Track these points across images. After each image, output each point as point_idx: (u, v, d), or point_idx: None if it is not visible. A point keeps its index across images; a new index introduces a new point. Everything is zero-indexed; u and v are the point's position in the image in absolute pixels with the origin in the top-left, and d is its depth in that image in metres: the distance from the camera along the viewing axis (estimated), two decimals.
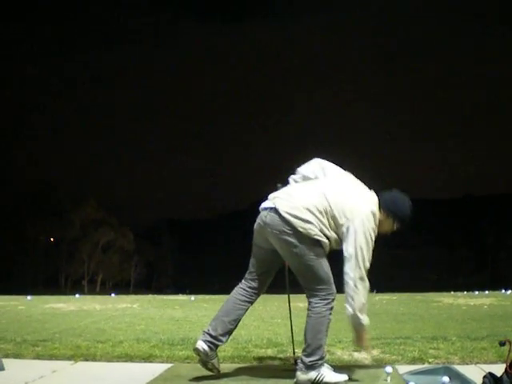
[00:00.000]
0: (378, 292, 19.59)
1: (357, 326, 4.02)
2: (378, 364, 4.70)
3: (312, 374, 3.95)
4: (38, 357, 5.14)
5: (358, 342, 4.13)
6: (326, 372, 3.99)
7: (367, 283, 3.94)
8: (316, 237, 3.92)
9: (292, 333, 4.49)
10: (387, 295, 15.96)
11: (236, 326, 4.20)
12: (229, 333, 4.15)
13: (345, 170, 4.31)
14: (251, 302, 4.26)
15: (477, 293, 17.36)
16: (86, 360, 5.02)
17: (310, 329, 4.02)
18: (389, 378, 4.06)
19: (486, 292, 18.35)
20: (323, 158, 4.33)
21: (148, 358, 5.00)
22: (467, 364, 4.70)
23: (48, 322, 8.25)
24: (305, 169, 4.33)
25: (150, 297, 17.08)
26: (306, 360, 3.98)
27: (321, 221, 3.93)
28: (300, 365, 4.01)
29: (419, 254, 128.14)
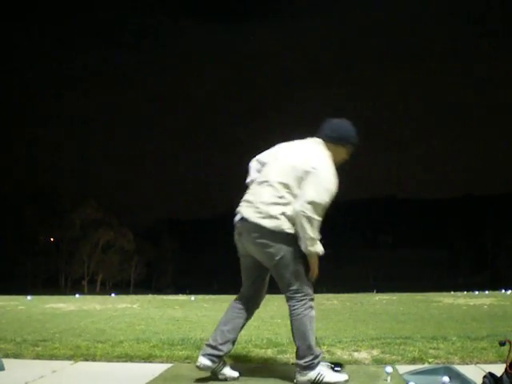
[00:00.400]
0: (377, 292, 19.59)
1: (310, 256, 4.00)
2: (378, 364, 4.70)
3: (311, 375, 3.95)
4: (38, 357, 5.14)
5: (314, 268, 4.06)
6: (326, 371, 3.99)
7: (315, 221, 3.88)
8: (289, 230, 3.93)
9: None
10: (387, 295, 15.94)
11: (236, 334, 4.20)
12: (229, 342, 4.14)
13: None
14: (248, 310, 4.26)
15: (477, 293, 17.33)
16: (86, 360, 5.02)
17: (295, 332, 4.06)
18: (389, 378, 4.06)
19: (486, 292, 18.31)
20: None
21: (148, 358, 5.00)
22: (467, 364, 4.70)
23: (48, 322, 8.25)
24: (249, 176, 4.39)
25: (149, 297, 17.05)
26: (301, 362, 3.99)
27: (287, 204, 3.94)
28: (297, 368, 4.03)
29: (419, 254, 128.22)
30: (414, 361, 4.81)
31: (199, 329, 7.04)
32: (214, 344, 4.09)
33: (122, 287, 78.73)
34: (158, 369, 4.56)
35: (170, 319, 8.72)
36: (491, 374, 3.66)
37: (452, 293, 17.48)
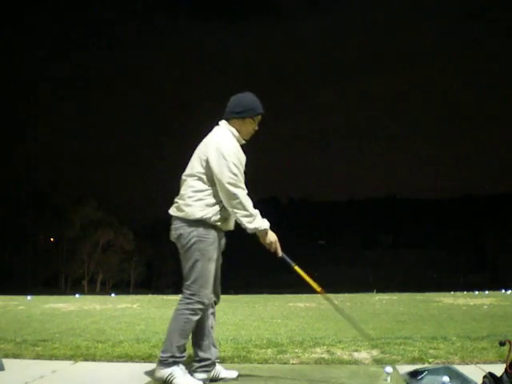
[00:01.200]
0: (377, 292, 19.61)
1: (260, 235, 4.00)
2: (378, 364, 4.70)
3: (164, 372, 3.93)
4: (38, 357, 5.15)
5: (269, 247, 4.05)
6: (179, 373, 3.93)
7: (240, 196, 3.90)
8: (202, 215, 3.94)
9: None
10: (387, 295, 15.96)
11: (211, 336, 4.18)
12: (209, 346, 4.15)
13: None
14: (208, 311, 4.17)
15: (477, 293, 17.35)
16: (86, 360, 5.02)
17: (169, 324, 4.06)
18: (389, 378, 4.06)
19: (486, 292, 18.33)
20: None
21: (148, 358, 5.00)
22: (467, 364, 4.70)
23: (48, 322, 8.26)
24: None
25: (149, 297, 17.07)
26: (160, 355, 4.00)
27: (200, 191, 3.98)
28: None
29: (419, 254, 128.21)
30: (414, 361, 4.81)
31: None
32: (198, 358, 4.11)
33: (122, 287, 78.69)
34: None
35: (169, 319, 8.71)
36: (491, 374, 3.66)
37: (452, 293, 17.51)
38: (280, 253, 4.08)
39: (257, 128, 4.23)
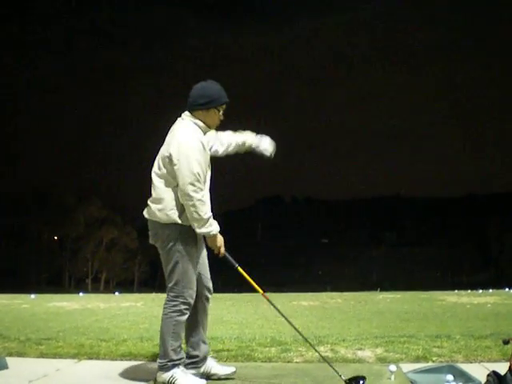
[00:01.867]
0: (381, 290, 19.60)
1: (207, 238, 3.96)
2: (382, 362, 4.70)
3: (165, 376, 3.93)
4: (42, 355, 5.16)
5: (214, 249, 4.00)
6: (180, 375, 3.92)
7: (195, 201, 3.81)
8: (178, 220, 3.89)
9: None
10: (391, 294, 15.95)
11: (200, 332, 4.17)
12: (198, 343, 4.14)
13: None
14: (197, 305, 4.14)
15: (480, 291, 17.33)
16: (90, 358, 5.03)
17: (160, 330, 4.02)
18: (393, 377, 4.06)
19: (490, 290, 18.31)
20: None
21: (152, 357, 5.00)
22: (471, 362, 4.70)
23: (52, 321, 8.28)
24: None
25: (153, 295, 17.07)
26: (158, 362, 3.99)
27: (169, 194, 3.92)
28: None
29: (423, 253, 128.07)
30: (417, 359, 4.81)
31: None
32: (188, 355, 4.11)
33: (126, 286, 78.70)
34: None
35: None
36: (495, 373, 3.65)
37: (456, 291, 17.50)
38: (223, 253, 4.01)
39: (222, 117, 4.10)
